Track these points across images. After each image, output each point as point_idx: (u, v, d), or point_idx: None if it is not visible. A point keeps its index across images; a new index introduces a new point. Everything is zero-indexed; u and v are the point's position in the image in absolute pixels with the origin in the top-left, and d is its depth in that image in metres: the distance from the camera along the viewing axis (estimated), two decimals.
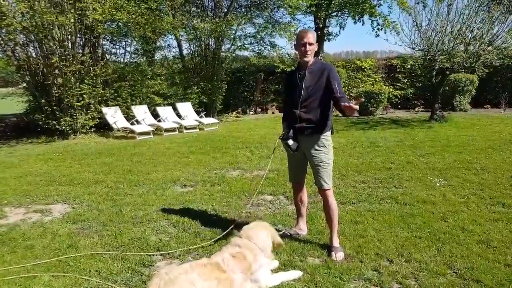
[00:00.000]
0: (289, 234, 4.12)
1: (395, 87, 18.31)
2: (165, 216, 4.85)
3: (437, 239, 3.89)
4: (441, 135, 10.28)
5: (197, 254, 3.78)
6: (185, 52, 16.84)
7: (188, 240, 4.14)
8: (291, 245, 3.86)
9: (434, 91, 13.54)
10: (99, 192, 6.04)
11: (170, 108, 13.80)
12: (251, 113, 18.94)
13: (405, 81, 18.38)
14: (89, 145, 10.77)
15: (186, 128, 12.77)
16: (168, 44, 16.62)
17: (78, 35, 11.53)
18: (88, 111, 12.02)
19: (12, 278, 3.42)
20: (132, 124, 12.21)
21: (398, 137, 10.30)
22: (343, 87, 18.52)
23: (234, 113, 18.64)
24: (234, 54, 17.07)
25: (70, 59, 11.17)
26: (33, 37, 10.73)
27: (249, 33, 17.08)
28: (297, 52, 3.74)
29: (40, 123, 11.58)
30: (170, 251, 3.88)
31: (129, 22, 11.72)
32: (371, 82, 18.66)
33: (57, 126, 11.33)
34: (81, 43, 12.00)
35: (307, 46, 3.54)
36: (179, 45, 16.46)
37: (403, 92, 18.26)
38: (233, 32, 16.28)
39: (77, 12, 10.74)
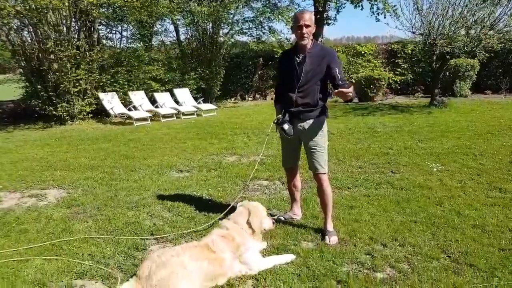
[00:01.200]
0: (283, 218, 4.09)
1: (395, 72, 18.15)
2: (160, 201, 4.83)
3: (432, 224, 3.87)
4: (440, 121, 10.22)
5: (191, 238, 3.76)
6: (182, 37, 16.65)
7: (182, 224, 4.12)
8: (285, 230, 3.84)
9: (434, 76, 13.43)
10: (94, 177, 6.01)
11: (167, 94, 13.70)
12: (250, 99, 18.83)
13: (405, 66, 18.21)
14: (86, 131, 10.72)
15: (184, 114, 12.70)
16: (165, 29, 16.45)
17: (73, 20, 11.37)
18: (85, 97, 11.93)
19: (4, 262, 3.41)
20: (129, 110, 12.13)
21: (397, 122, 10.24)
22: (343, 71, 18.56)
23: (232, 99, 18.53)
24: (232, 39, 16.87)
25: (66, 44, 11.04)
26: (27, 22, 10.55)
27: (248, 17, 16.89)
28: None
29: (37, 109, 11.53)
30: (163, 235, 3.86)
31: (124, 6, 11.53)
32: (371, 68, 18.50)
33: (53, 112, 11.26)
34: (77, 27, 11.84)
35: (304, 28, 3.41)
36: (176, 30, 16.28)
37: (403, 77, 18.11)
38: (231, 16, 16.06)
39: None
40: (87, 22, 11.94)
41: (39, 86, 11.19)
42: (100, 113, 12.47)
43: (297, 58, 3.55)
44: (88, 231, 4.06)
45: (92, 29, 12.19)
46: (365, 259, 3.25)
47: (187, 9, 13.59)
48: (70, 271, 3.26)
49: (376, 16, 16.88)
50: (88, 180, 5.84)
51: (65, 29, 11.16)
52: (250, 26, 17.58)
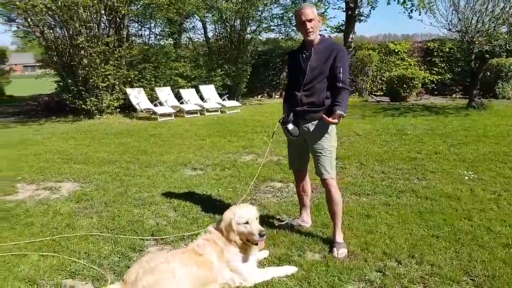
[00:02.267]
0: (290, 225, 3.83)
1: (431, 71, 17.28)
2: (167, 200, 4.70)
3: (456, 240, 3.47)
4: (477, 124, 9.53)
5: (191, 241, 3.57)
6: (210, 34, 16.60)
7: (185, 226, 3.95)
8: (290, 238, 3.58)
9: (473, 77, 12.60)
10: (110, 171, 5.98)
11: (193, 90, 13.68)
12: (277, 96, 18.55)
13: (442, 65, 17.29)
14: (112, 125, 10.84)
15: (208, 111, 12.62)
16: (193, 26, 16.43)
17: (103, 17, 11.52)
18: (113, 92, 12.09)
19: (2, 255, 3.37)
20: (155, 105, 12.20)
21: (429, 125, 9.65)
22: (375, 70, 17.89)
23: (258, 96, 18.33)
24: (260, 36, 16.66)
25: (95, 40, 11.22)
26: (58, 18, 10.78)
27: (276, 14, 16.60)
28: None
29: (68, 102, 11.80)
30: (163, 237, 3.71)
31: (151, 3, 11.55)
32: (405, 66, 17.73)
33: (83, 106, 11.49)
34: (107, 24, 11.99)
35: (307, 24, 3.20)
36: (204, 27, 16.26)
37: (440, 77, 17.21)
38: (259, 13, 15.84)
39: None
40: (117, 19, 12.07)
41: (69, 81, 11.46)
42: (128, 108, 12.61)
43: (303, 55, 3.33)
44: (91, 227, 3.97)
45: (122, 26, 12.31)
46: (375, 277, 2.94)
47: (215, 6, 13.45)
48: (64, 269, 3.17)
49: (409, 13, 16.09)
50: (103, 175, 5.81)
51: (95, 25, 11.31)
52: (279, 23, 17.30)
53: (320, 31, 3.41)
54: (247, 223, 2.85)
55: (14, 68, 31.52)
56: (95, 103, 11.53)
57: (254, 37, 16.43)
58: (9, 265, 3.21)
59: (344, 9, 18.99)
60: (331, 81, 3.23)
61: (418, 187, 4.96)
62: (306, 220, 3.87)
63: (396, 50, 18.18)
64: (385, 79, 17.08)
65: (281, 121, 3.50)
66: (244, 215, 2.88)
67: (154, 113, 11.80)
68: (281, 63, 18.82)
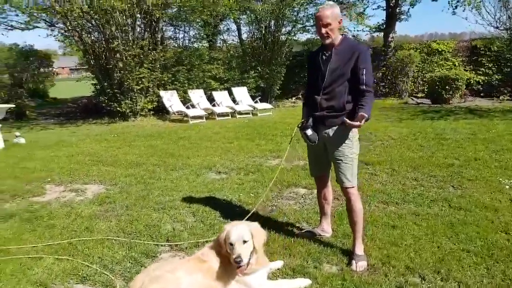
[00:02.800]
0: (310, 234, 3.64)
1: (478, 72, 16.30)
2: (187, 204, 4.64)
3: (489, 255, 3.15)
4: None
5: None
6: (244, 36, 16.59)
7: (201, 232, 3.87)
8: (307, 248, 3.39)
9: None
10: (135, 174, 6.03)
11: (225, 92, 13.69)
12: None
13: (490, 65, 16.26)
14: (145, 127, 11.03)
15: (239, 113, 12.56)
16: (228, 28, 16.48)
17: (138, 20, 11.78)
18: (147, 95, 12.33)
19: (19, 258, 3.42)
20: (187, 108, 12.31)
21: (471, 129, 9.05)
22: (416, 71, 17.14)
23: (293, 98, 18.08)
24: (295, 37, 16.43)
25: (130, 44, 11.48)
26: (94, 22, 11.14)
27: (311, 14, 16.31)
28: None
29: (104, 105, 12.15)
30: (177, 243, 3.64)
31: (184, 6, 11.68)
32: (448, 66, 16.86)
33: (118, 108, 11.79)
34: (142, 27, 12.26)
35: (322, 28, 3.01)
36: (238, 29, 16.25)
37: (487, 78, 16.20)
38: (295, 13, 15.63)
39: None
40: (152, 22, 12.31)
41: (105, 84, 11.80)
42: (161, 111, 12.82)
43: (323, 56, 3.14)
44: (108, 231, 3.97)
45: (156, 29, 12.54)
46: None
47: (248, 7, 13.40)
48: (76, 273, 3.17)
49: (453, 9, 15.28)
50: (128, 177, 5.86)
51: (130, 29, 11.59)
52: (315, 23, 17.00)
53: (358, 31, 3.21)
54: (231, 244, 2.64)
55: (58, 71, 33.11)
56: (129, 105, 11.81)
57: (289, 38, 16.25)
58: (24, 268, 3.25)
59: (384, 8, 18.43)
60: (354, 84, 3.02)
61: (453, 196, 4.60)
62: (326, 230, 3.67)
63: (440, 50, 17.33)
64: (426, 80, 16.34)
65: (299, 126, 3.33)
66: (231, 236, 2.66)
67: (186, 115, 11.90)
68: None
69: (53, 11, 10.50)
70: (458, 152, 6.77)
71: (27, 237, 3.86)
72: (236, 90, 13.93)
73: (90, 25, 11.52)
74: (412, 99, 16.50)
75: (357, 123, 2.90)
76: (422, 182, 5.20)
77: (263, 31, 15.53)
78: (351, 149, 3.14)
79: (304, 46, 20.46)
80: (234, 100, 13.59)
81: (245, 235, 2.69)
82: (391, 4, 17.82)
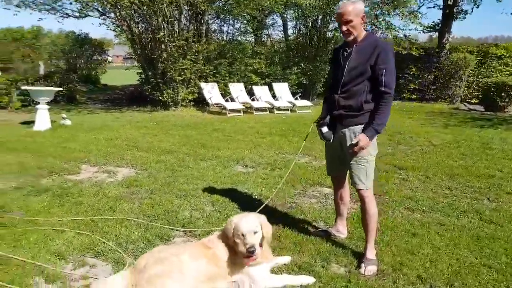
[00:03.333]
0: (324, 233, 3.57)
1: None
2: (208, 194, 4.70)
3: None
4: None
5: None
6: (290, 31, 16.48)
7: (217, 221, 3.90)
8: (318, 247, 3.33)
9: None
10: (166, 161, 6.19)
11: (266, 87, 13.69)
12: None
13: None
14: (184, 117, 11.30)
15: (278, 109, 12.53)
16: (273, 23, 16.44)
17: (184, 12, 12.04)
18: (189, 86, 12.60)
19: (45, 229, 3.63)
20: (226, 100, 12.45)
21: None
22: (471, 75, 16.17)
23: None
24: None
25: (175, 35, 11.76)
26: (141, 12, 11.52)
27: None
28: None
29: (147, 93, 12.58)
30: (191, 229, 3.70)
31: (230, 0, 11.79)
32: (508, 72, 15.80)
33: (160, 98, 12.15)
34: (188, 19, 12.52)
35: (343, 26, 2.91)
36: (284, 24, 16.16)
37: None
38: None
39: None
40: (197, 15, 12.54)
41: (150, 73, 12.20)
42: (201, 102, 13.05)
43: (344, 53, 3.03)
44: (130, 212, 4.12)
45: (201, 22, 12.76)
46: None
47: (294, 2, 13.27)
48: (92, 248, 3.31)
49: None
50: (159, 164, 6.03)
51: (176, 21, 11.88)
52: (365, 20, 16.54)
53: (410, 30, 3.09)
54: (242, 235, 2.64)
55: (113, 60, 34.69)
56: (171, 95, 12.13)
57: (336, 34, 15.94)
58: (46, 239, 3.45)
59: (441, 7, 17.57)
60: (373, 83, 2.91)
61: (486, 208, 4.32)
62: (341, 231, 3.57)
63: (499, 54, 16.28)
64: (481, 86, 15.44)
65: (316, 122, 3.27)
66: (242, 227, 2.66)
67: (224, 108, 12.04)
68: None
69: (104, 1, 11.00)
70: (502, 164, 6.35)
71: (55, 211, 4.09)
72: (277, 86, 13.89)
73: (138, 15, 11.92)
74: (465, 104, 15.69)
75: (358, 149, 2.91)
76: (455, 192, 4.93)
77: (309, 27, 15.35)
78: (366, 151, 3.01)
79: None
80: (274, 96, 13.57)
81: (255, 226, 2.71)
82: (449, 2, 16.92)
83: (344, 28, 2.91)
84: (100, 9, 12.24)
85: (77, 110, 12.21)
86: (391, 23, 15.72)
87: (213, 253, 2.70)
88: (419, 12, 16.48)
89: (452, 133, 9.20)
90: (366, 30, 3.05)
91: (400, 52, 16.25)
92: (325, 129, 3.16)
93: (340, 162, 3.26)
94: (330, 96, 3.20)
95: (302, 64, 15.11)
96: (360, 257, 3.12)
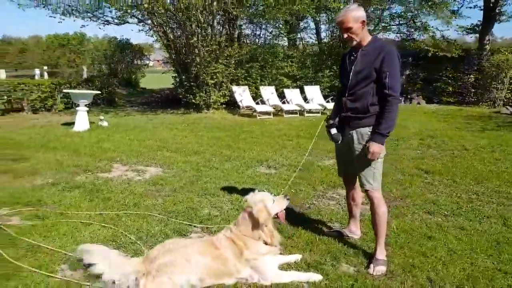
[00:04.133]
0: (337, 234, 3.60)
1: None
2: (229, 193, 4.84)
3: None
4: None
5: None
6: (323, 35, 16.45)
7: (233, 219, 3.98)
8: (329, 246, 3.37)
9: None
10: (192, 161, 6.40)
11: (297, 90, 13.73)
12: None
13: None
14: (215, 119, 11.56)
15: (308, 112, 12.52)
16: (305, 27, 16.46)
17: (217, 18, 12.33)
18: (221, 89, 12.88)
19: (74, 221, 3.90)
20: (257, 103, 12.61)
21: None
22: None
23: None
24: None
25: (208, 40, 12.08)
26: (176, 19, 11.92)
27: (395, 12, 15.61)
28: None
29: (181, 96, 12.98)
30: (208, 226, 3.84)
31: (260, 5, 11.94)
32: None
33: (193, 101, 12.51)
34: (221, 24, 12.81)
35: (344, 33, 3.00)
36: (317, 28, 16.13)
37: None
38: (378, 12, 15.08)
39: None
40: (230, 20, 12.80)
41: (183, 77, 12.58)
42: (233, 104, 13.29)
43: (351, 57, 3.11)
44: (152, 208, 4.32)
45: (234, 26, 13.01)
46: None
47: (325, 5, 13.25)
48: (114, 240, 3.53)
49: None
50: (185, 164, 6.25)
51: (209, 26, 12.19)
52: (400, 22, 16.26)
53: (446, 30, 3.12)
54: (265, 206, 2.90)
55: (154, 64, 35.94)
56: (203, 98, 12.45)
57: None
58: (75, 230, 3.71)
59: (481, 8, 16.91)
60: (378, 86, 2.95)
61: (511, 214, 4.16)
62: (354, 231, 3.59)
63: None
64: None
65: (326, 124, 3.34)
66: (269, 197, 2.98)
67: (255, 110, 12.20)
68: (400, 65, 17.68)
69: (142, 9, 11.49)
70: None
71: (85, 205, 4.37)
72: (308, 89, 13.89)
73: (173, 21, 12.34)
74: (507, 108, 14.94)
75: (371, 155, 2.98)
76: (482, 197, 4.78)
77: None
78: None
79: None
80: (305, 99, 13.58)
81: (270, 196, 3.04)
82: (491, 3, 16.24)
83: (345, 35, 3.01)
84: (139, 16, 12.80)
85: (115, 112, 12.80)
86: (428, 24, 15.33)
87: (219, 254, 2.82)
88: (458, 13, 15.95)
89: (488, 138, 8.83)
90: (372, 35, 3.11)
91: (437, 53, 15.79)
92: (333, 131, 3.26)
93: (349, 163, 3.30)
94: (339, 99, 3.26)
95: (335, 67, 15.02)
96: (370, 257, 3.13)
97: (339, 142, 3.26)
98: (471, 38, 20.95)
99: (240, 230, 2.93)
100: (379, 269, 2.96)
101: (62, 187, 4.95)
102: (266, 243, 2.93)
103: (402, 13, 15.23)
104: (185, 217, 4.08)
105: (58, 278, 2.88)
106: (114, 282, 2.59)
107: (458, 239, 3.55)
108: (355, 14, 2.94)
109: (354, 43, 3.01)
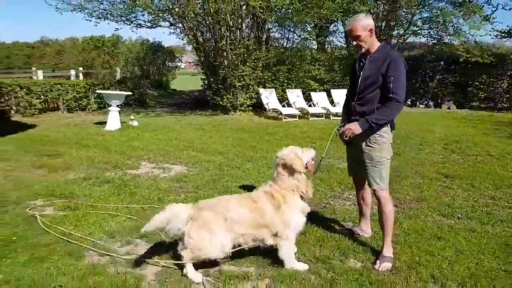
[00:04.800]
0: (348, 232, 3.74)
1: None
2: (248, 191, 4.92)
3: None
4: None
5: None
6: None
7: None
8: (339, 243, 3.51)
9: None
10: (215, 161, 6.66)
11: (324, 94, 13.79)
12: (421, 106, 17.18)
13: None
14: (241, 121, 11.83)
15: (334, 115, 12.56)
16: (334, 30, 16.48)
17: (246, 21, 12.61)
18: (248, 91, 13.14)
19: (102, 213, 4.22)
20: (283, 106, 12.78)
21: None
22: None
23: None
24: (406, 41, 15.69)
25: (236, 43, 12.37)
26: (206, 23, 12.29)
27: (426, 16, 15.37)
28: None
29: (209, 98, 13.34)
30: None
31: (288, 8, 12.11)
32: None
33: (220, 102, 12.84)
34: (249, 26, 13.08)
35: (353, 41, 3.22)
36: (345, 31, 16.11)
37: None
38: (409, 16, 14.92)
39: (238, 2, 11.69)
40: (258, 24, 13.05)
41: (211, 79, 12.94)
42: (260, 107, 13.52)
43: (360, 63, 3.28)
44: (174, 203, 4.58)
45: (262, 30, 13.25)
46: None
47: (352, 9, 13.24)
48: (138, 231, 3.79)
49: None
50: (209, 163, 6.51)
51: (237, 30, 12.49)
52: (431, 26, 15.99)
53: (480, 36, 3.26)
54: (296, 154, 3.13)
55: (184, 66, 36.79)
56: (230, 100, 12.75)
57: (399, 41, 15.63)
58: (102, 221, 4.02)
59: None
60: (383, 91, 3.11)
61: None
62: (365, 230, 3.72)
63: None
64: None
65: (338, 127, 3.51)
66: (297, 147, 3.22)
67: (281, 113, 12.38)
68: (431, 70, 17.45)
69: (173, 13, 11.94)
70: None
71: (113, 199, 4.69)
72: (335, 92, 13.92)
73: (203, 25, 12.73)
74: None
75: (345, 133, 3.17)
76: (498, 202, 4.77)
77: None
78: (379, 153, 3.19)
79: (420, 50, 19.43)
80: (332, 102, 13.63)
81: (298, 147, 3.27)
82: None
83: (354, 43, 3.21)
84: (170, 20, 13.28)
85: (146, 113, 13.32)
86: (459, 29, 15.01)
87: (257, 206, 3.06)
88: (491, 17, 15.52)
89: None
90: (381, 42, 3.28)
91: (469, 59, 15.44)
92: None
93: (358, 163, 3.44)
94: (349, 104, 3.41)
95: None
96: (377, 254, 3.25)
97: (349, 144, 3.40)
98: (507, 42, 20.26)
99: (278, 184, 3.15)
100: (384, 266, 3.08)
101: (92, 182, 5.31)
102: (302, 198, 3.15)
103: (433, 18, 14.98)
104: None
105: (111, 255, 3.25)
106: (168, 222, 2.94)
107: (467, 240, 3.60)
108: (364, 23, 3.11)
109: (363, 50, 3.18)
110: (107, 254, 3.31)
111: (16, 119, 11.18)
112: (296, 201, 3.11)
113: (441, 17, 14.84)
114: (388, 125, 3.20)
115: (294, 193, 3.12)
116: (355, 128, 3.12)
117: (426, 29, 16.37)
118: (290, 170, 3.11)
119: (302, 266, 3.08)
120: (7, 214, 4.11)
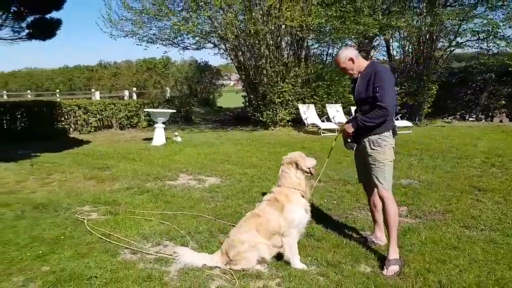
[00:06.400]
0: (364, 240, 3.87)
1: None
2: None
3: None
4: None
5: None
6: (394, 52, 16.27)
7: None
8: (353, 250, 3.65)
9: None
10: (248, 173, 6.97)
11: None
12: (471, 119, 16.51)
13: None
14: (279, 136, 12.11)
15: None
16: (375, 45, 16.42)
17: (285, 40, 13.03)
18: (287, 107, 13.44)
19: (138, 217, 4.67)
20: (322, 121, 12.90)
21: None
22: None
23: (449, 117, 16.76)
24: (452, 53, 15.29)
25: (275, 61, 12.79)
26: (246, 43, 12.85)
27: (475, 28, 14.88)
28: None
29: (249, 115, 13.80)
30: None
31: (325, 26, 12.36)
32: None
33: (260, 118, 13.24)
34: (288, 44, 13.47)
35: (343, 71, 3.66)
36: (387, 45, 16.01)
37: None
38: (456, 27, 14.58)
39: (277, 23, 12.13)
40: (298, 41, 13.41)
41: (252, 96, 13.40)
42: (299, 122, 13.75)
43: (356, 80, 3.62)
44: (205, 211, 4.95)
45: (301, 47, 13.58)
46: None
47: (391, 25, 13.18)
48: (168, 234, 4.19)
49: None
50: (241, 175, 6.84)
51: (276, 49, 12.92)
52: (480, 37, 15.46)
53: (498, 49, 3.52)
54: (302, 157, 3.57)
55: (233, 83, 38.00)
56: (270, 116, 13.12)
57: (446, 53, 15.28)
58: (138, 224, 4.45)
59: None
60: (373, 102, 3.37)
61: None
62: (380, 238, 3.83)
63: None
64: None
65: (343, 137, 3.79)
66: (303, 154, 3.63)
67: (320, 128, 12.51)
68: (481, 82, 16.81)
69: (215, 36, 12.66)
70: None
71: (149, 206, 5.15)
72: None
73: (243, 45, 13.31)
74: None
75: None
76: None
77: (415, 47, 15.02)
78: (382, 155, 3.44)
79: (468, 62, 18.78)
80: None
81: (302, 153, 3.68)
82: None
83: (345, 72, 3.63)
84: (214, 41, 14.03)
85: (190, 129, 14.03)
86: (510, 38, 14.40)
87: (262, 220, 3.38)
88: None
89: None
90: (368, 60, 3.68)
91: None
92: (349, 139, 3.72)
93: (365, 169, 3.63)
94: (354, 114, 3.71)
95: (406, 84, 14.79)
96: (384, 260, 3.37)
97: (354, 149, 3.69)
98: None
99: (282, 183, 3.50)
100: (391, 269, 3.20)
101: (134, 191, 5.83)
102: (302, 196, 3.46)
103: (481, 28, 14.49)
104: (231, 219, 4.62)
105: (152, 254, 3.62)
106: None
107: (484, 251, 3.59)
108: (343, 56, 3.54)
109: (354, 75, 3.57)
110: (138, 251, 3.71)
111: (74, 135, 12.32)
112: (298, 199, 3.42)
113: (489, 27, 14.34)
114: (390, 130, 3.46)
115: (296, 191, 3.41)
116: (347, 127, 3.53)
117: (474, 41, 15.84)
118: (295, 167, 3.46)
119: (301, 266, 3.31)
120: (58, 218, 4.67)
